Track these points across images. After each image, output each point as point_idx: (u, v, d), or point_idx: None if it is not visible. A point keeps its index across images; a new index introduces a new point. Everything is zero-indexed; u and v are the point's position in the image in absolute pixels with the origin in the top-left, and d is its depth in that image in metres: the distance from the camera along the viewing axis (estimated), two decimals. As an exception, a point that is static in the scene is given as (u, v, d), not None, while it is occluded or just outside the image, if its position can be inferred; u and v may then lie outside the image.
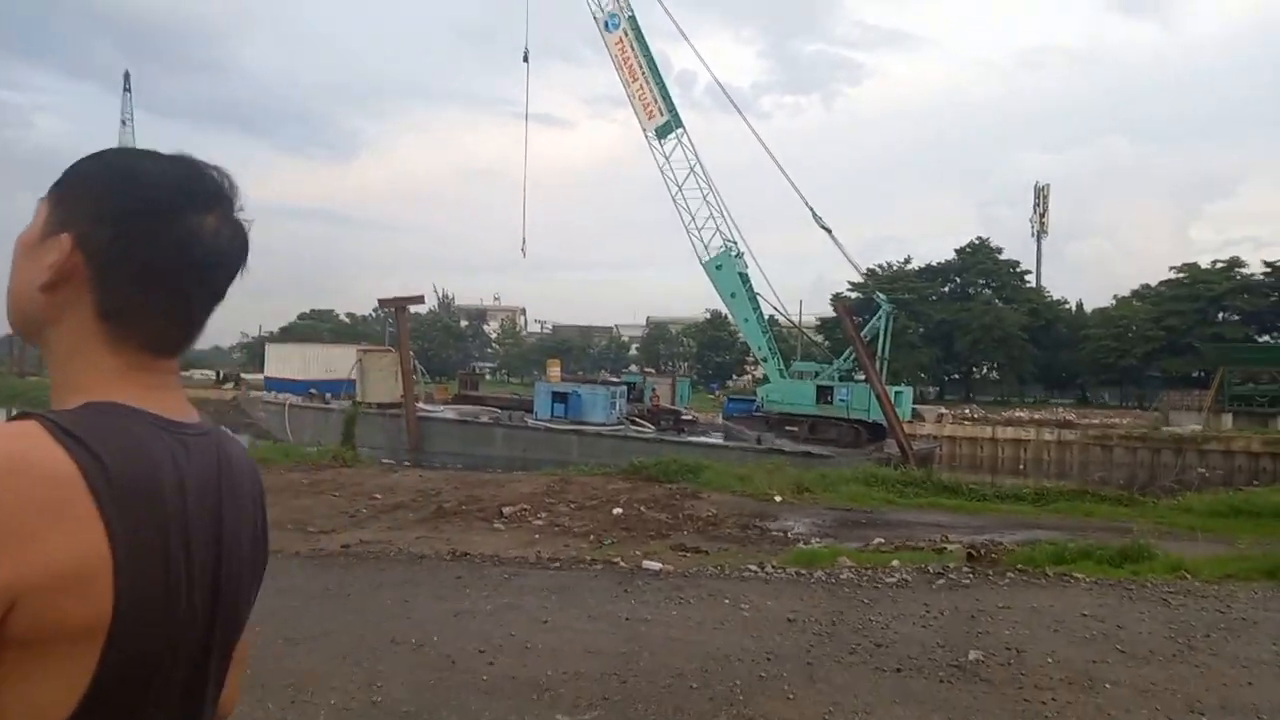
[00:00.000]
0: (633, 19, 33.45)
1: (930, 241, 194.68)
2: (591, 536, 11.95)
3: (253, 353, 70.26)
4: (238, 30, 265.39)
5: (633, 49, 33.29)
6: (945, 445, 34.60)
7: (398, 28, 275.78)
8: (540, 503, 14.56)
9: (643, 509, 14.33)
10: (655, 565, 8.81)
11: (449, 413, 37.30)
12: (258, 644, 5.74)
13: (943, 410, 42.86)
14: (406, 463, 27.98)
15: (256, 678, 5.01)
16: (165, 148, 1.04)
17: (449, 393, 42.33)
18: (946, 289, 63.25)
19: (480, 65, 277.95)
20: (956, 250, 63.78)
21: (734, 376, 67.44)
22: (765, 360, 32.43)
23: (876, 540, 12.03)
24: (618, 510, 14.01)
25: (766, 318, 33.41)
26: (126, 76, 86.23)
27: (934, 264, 63.93)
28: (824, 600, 7.36)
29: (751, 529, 13.30)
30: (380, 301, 38.79)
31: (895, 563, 9.43)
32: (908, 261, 64.49)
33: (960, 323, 57.21)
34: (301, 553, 9.39)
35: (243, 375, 66.25)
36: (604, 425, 31.64)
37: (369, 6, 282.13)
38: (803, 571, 8.63)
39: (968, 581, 8.20)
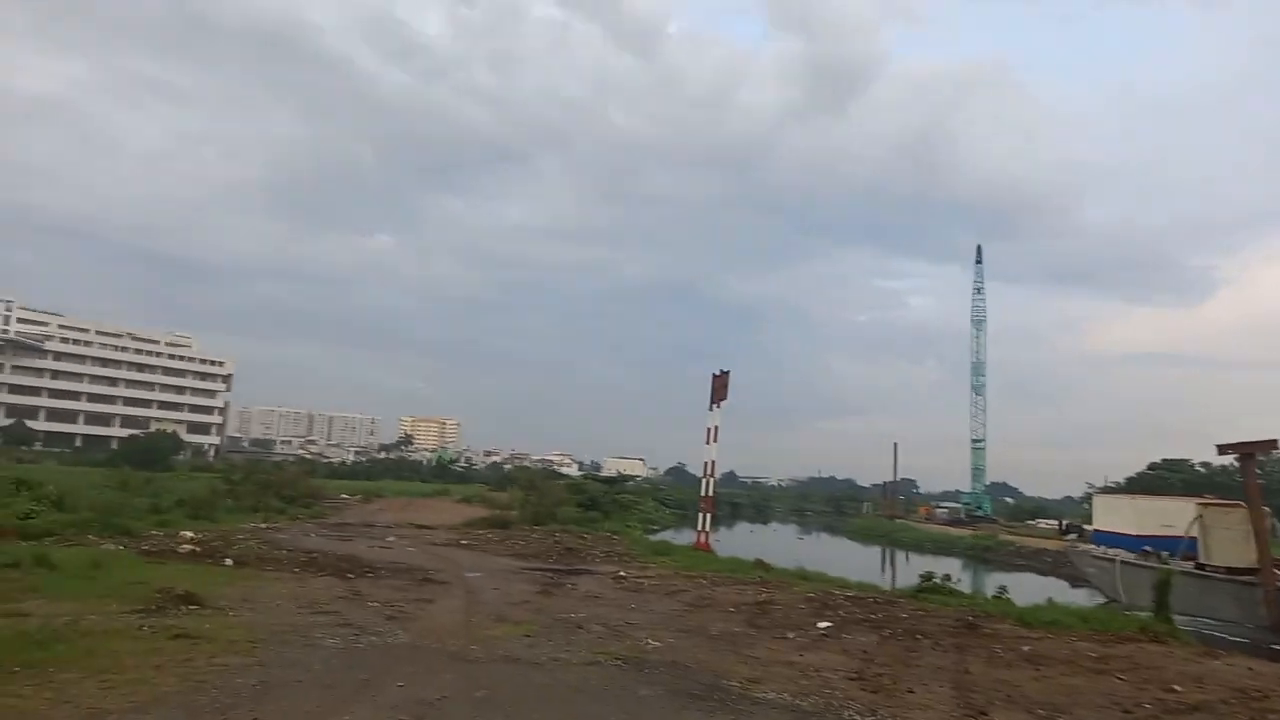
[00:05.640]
0: None
1: None
2: None
3: (1101, 504, 68.20)
4: (1075, 190, 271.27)
5: None
6: None
7: (1240, 153, 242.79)
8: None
9: None
10: None
11: (1329, 586, 30.03)
12: None
13: None
14: (1248, 643, 23.44)
15: None
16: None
17: (1331, 560, 33.86)
18: None
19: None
20: None
21: None
22: None
23: None
24: None
25: None
26: (978, 251, 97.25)
27: None
28: None
29: None
30: (1219, 448, 33.82)
31: None
32: None
33: None
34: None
35: (1085, 526, 64.68)
36: None
37: (1209, 136, 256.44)
38: None
39: None
